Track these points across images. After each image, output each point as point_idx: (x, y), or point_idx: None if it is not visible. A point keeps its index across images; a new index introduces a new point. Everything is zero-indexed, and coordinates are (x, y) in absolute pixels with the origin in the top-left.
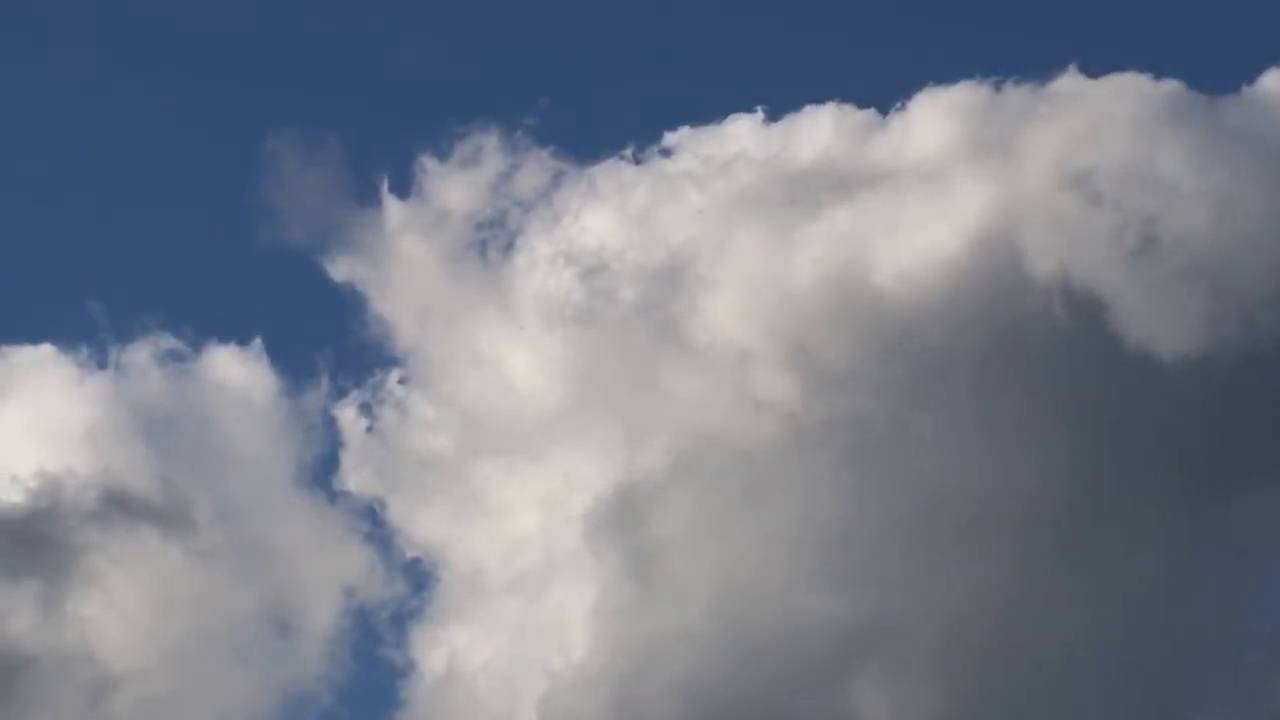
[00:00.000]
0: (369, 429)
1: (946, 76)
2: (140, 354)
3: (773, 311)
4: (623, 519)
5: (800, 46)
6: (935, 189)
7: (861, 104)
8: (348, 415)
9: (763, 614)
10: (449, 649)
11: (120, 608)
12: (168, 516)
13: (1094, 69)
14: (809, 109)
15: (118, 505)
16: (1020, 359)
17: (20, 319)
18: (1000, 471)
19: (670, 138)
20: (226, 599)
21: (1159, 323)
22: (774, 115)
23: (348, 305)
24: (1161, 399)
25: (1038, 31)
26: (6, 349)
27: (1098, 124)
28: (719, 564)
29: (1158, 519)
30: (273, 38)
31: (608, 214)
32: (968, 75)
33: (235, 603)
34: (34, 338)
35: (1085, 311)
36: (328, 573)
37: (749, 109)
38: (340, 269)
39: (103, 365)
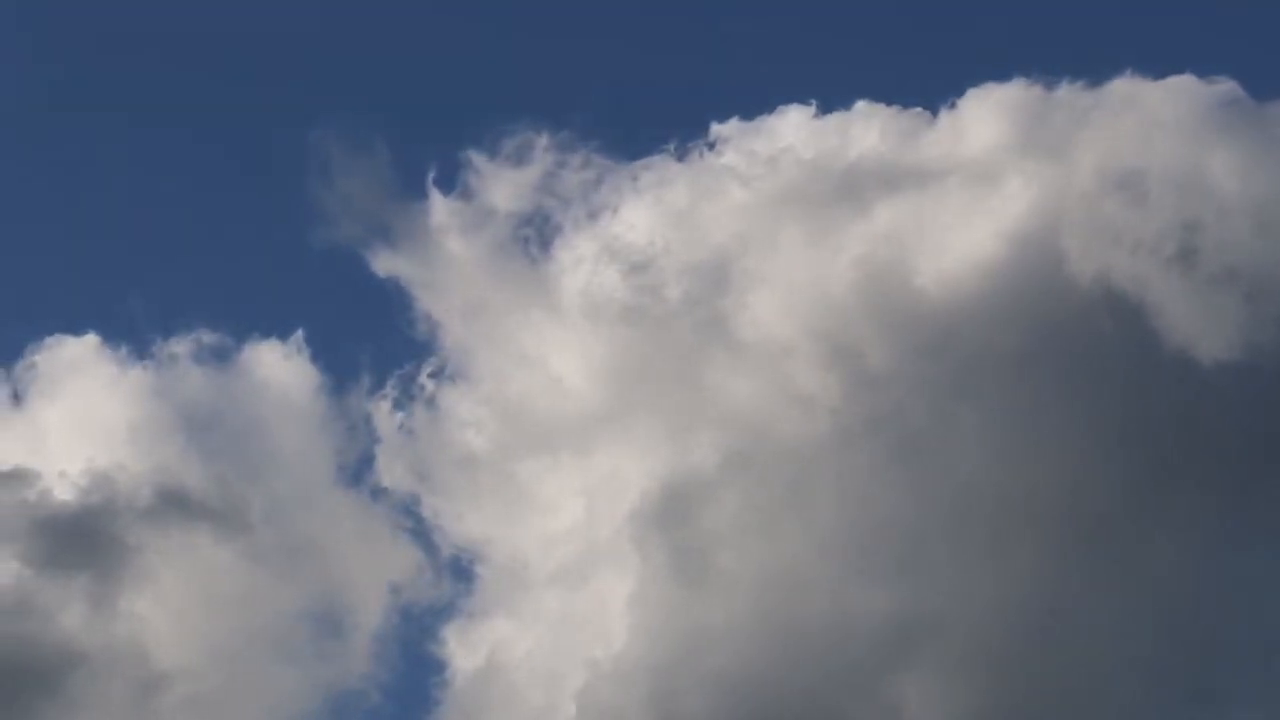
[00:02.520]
0: (411, 425)
1: (1000, 74)
2: (183, 348)
3: (817, 309)
4: (667, 514)
5: (854, 42)
6: (982, 189)
7: (913, 100)
8: (390, 411)
9: (804, 608)
10: (490, 644)
11: (171, 605)
12: (221, 515)
13: (1151, 71)
14: (861, 105)
15: (172, 504)
16: (1061, 360)
17: (64, 310)
18: (1040, 470)
19: (718, 130)
20: (273, 596)
21: (1198, 327)
22: (826, 108)
23: (391, 301)
24: (1199, 402)
25: (1097, 32)
26: (48, 340)
27: (1149, 126)
28: (762, 558)
29: (1194, 519)
30: (319, 34)
31: (653, 210)
32: (1022, 74)
33: (281, 600)
34: (77, 328)
35: (1126, 314)
36: (372, 570)
37: (803, 102)
38: (384, 264)
39: (146, 359)
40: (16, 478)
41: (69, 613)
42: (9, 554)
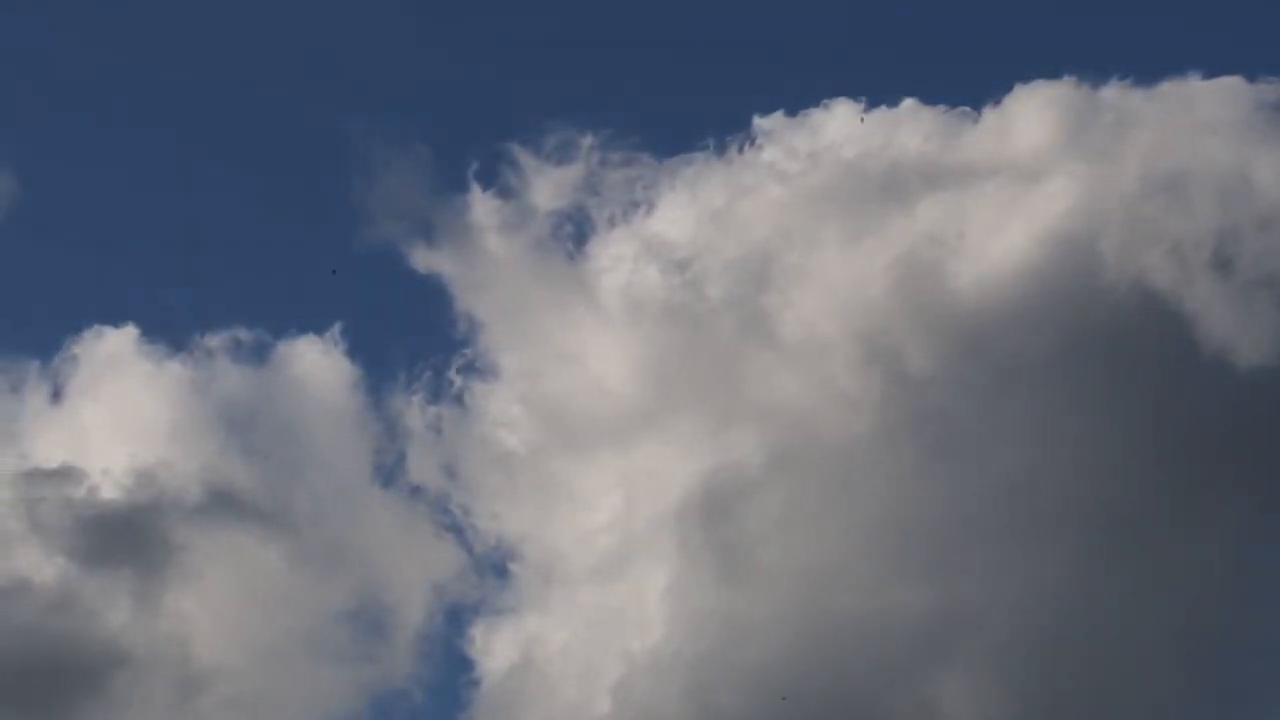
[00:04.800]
0: (449, 423)
1: (1050, 72)
2: (222, 343)
3: (857, 307)
4: (706, 509)
5: (907, 36)
6: (1024, 189)
7: (963, 93)
8: (427, 409)
9: (842, 603)
10: (528, 640)
11: (214, 604)
12: (264, 515)
13: (1201, 71)
14: (909, 103)
15: (216, 503)
16: (1098, 362)
17: (104, 302)
18: (1077, 470)
19: (760, 123)
20: (314, 595)
21: (1235, 332)
22: (874, 104)
23: (431, 298)
24: (1234, 405)
25: (1150, 31)
26: (86, 334)
27: (1195, 128)
28: (800, 554)
29: (1228, 519)
30: (361, 31)
31: (694, 208)
32: (1073, 71)
33: (323, 599)
34: (117, 320)
35: (1164, 318)
36: (412, 569)
37: (853, 98)
38: (425, 261)
39: (183, 353)
40: (62, 475)
41: (113, 610)
42: (55, 551)
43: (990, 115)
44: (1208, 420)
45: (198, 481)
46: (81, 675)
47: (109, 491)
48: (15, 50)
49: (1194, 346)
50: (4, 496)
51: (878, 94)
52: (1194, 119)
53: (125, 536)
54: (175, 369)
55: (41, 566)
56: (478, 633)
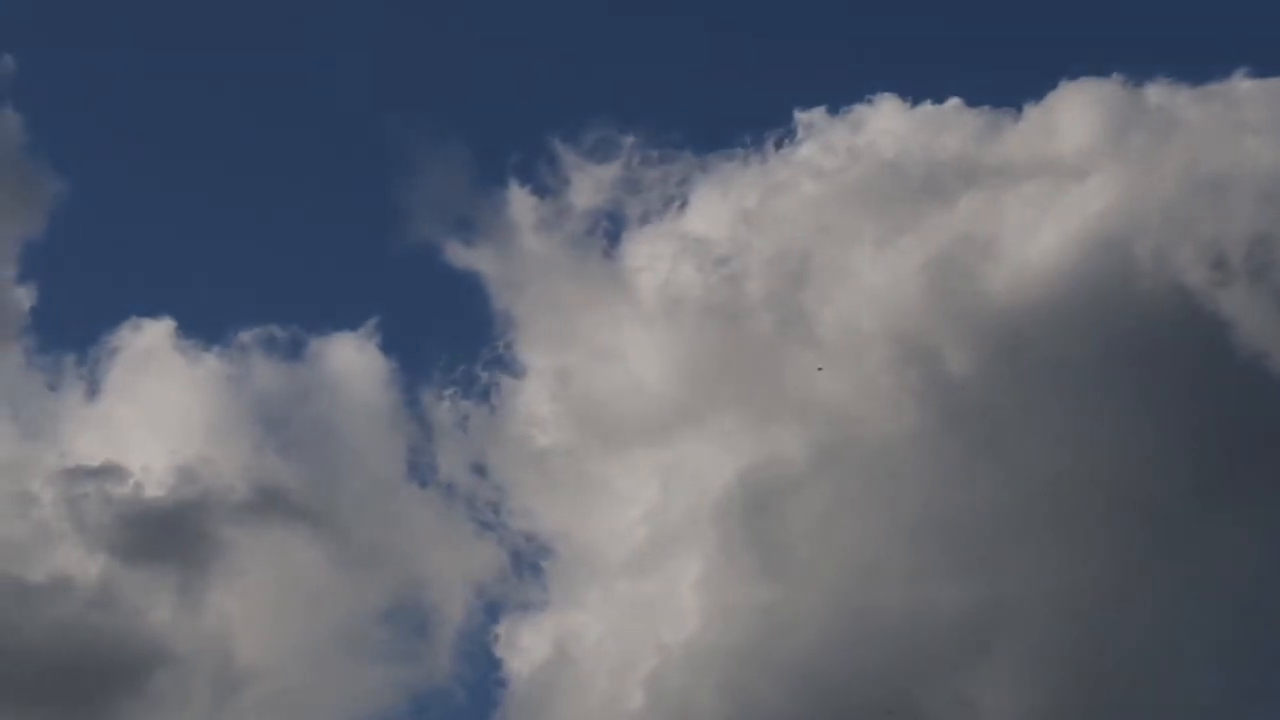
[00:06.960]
0: (484, 420)
1: (1098, 69)
2: (256, 339)
3: (895, 305)
4: (745, 506)
5: (953, 31)
6: (1063, 189)
7: (1009, 88)
8: (464, 406)
9: (879, 599)
10: (565, 635)
11: (255, 602)
12: (303, 513)
13: (1249, 72)
14: (954, 102)
15: (258, 500)
16: (1134, 363)
17: (141, 295)
18: (1115, 469)
19: (802, 118)
20: (353, 593)
21: (1271, 336)
22: (918, 101)
23: (467, 294)
24: (1269, 408)
25: (1200, 31)
26: (124, 326)
27: (1237, 130)
28: (838, 549)
29: (1263, 520)
30: (402, 32)
31: (732, 204)
32: (1121, 69)
33: (361, 597)
34: (155, 312)
35: (1199, 322)
36: (450, 566)
37: (901, 95)
38: (462, 258)
39: (220, 349)
40: (105, 473)
41: (155, 608)
42: (97, 548)
43: (1033, 112)
44: (1243, 422)
45: (239, 479)
46: (123, 672)
47: (151, 489)
48: (59, 53)
49: (1229, 349)
50: (46, 494)
51: (924, 90)
52: (1238, 120)
53: (167, 534)
54: (211, 363)
55: (84, 564)
56: (512, 629)
